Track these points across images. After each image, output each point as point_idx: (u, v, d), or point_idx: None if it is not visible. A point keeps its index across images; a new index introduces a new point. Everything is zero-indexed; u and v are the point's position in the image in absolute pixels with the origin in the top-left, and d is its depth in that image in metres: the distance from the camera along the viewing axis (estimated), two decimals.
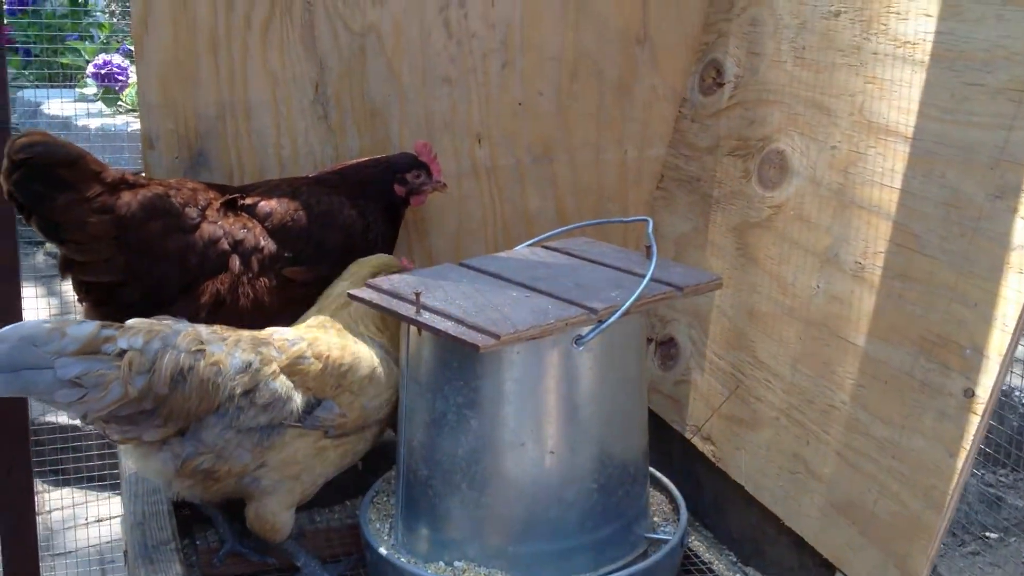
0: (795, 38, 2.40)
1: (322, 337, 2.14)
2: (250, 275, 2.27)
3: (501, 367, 1.95)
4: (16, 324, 1.90)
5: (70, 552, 4.01)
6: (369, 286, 2.10)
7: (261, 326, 2.16)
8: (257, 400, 2.01)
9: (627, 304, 1.98)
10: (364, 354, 2.16)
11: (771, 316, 2.35)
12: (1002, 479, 4.28)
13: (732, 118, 2.59)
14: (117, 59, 5.65)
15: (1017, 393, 4.18)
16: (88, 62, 5.81)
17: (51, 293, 4.95)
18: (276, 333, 2.13)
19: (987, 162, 1.89)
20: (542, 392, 1.99)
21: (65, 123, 5.41)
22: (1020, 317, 1.78)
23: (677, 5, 2.77)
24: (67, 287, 2.23)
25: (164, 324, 2.00)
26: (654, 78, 2.82)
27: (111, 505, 4.14)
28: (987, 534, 4.07)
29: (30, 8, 6.02)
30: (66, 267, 2.18)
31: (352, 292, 2.10)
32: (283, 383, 2.04)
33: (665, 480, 2.35)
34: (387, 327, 2.26)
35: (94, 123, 5.42)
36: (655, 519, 2.25)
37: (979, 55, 1.94)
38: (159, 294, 2.20)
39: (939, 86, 2.01)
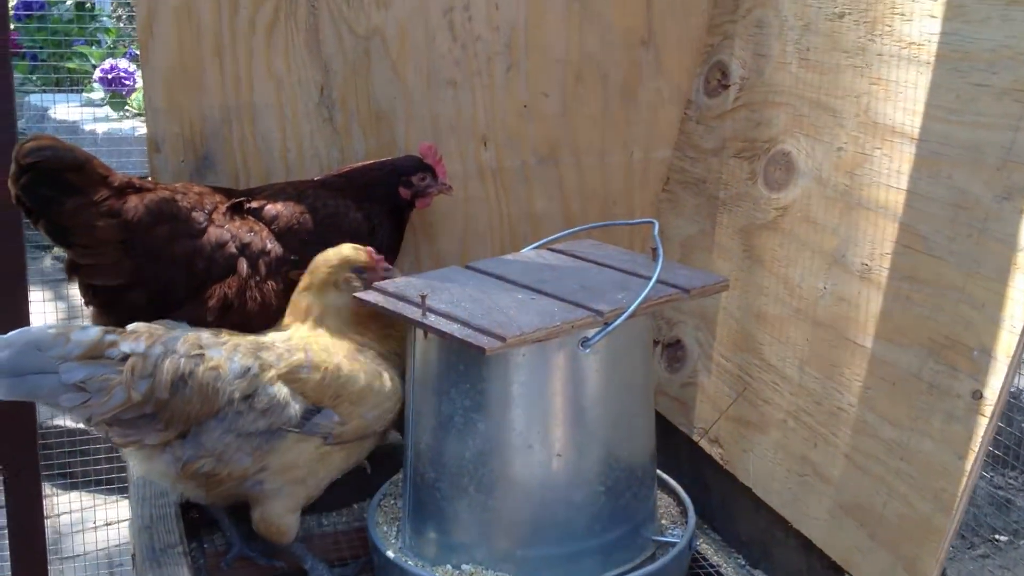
0: (800, 39, 2.39)
1: (320, 345, 2.13)
2: (257, 278, 2.27)
3: (507, 370, 1.95)
4: (21, 329, 1.91)
5: (78, 556, 4.01)
6: (375, 289, 2.10)
7: (268, 329, 2.16)
8: (256, 405, 2.01)
9: (633, 306, 1.97)
10: (364, 366, 2.15)
11: (778, 318, 2.35)
12: (1011, 481, 4.27)
13: (738, 120, 2.59)
14: (124, 64, 5.66)
15: None
16: (95, 67, 5.82)
17: (58, 297, 4.96)
18: (277, 339, 2.13)
19: (994, 163, 1.89)
20: (549, 394, 1.98)
21: (72, 128, 5.42)
22: None
23: (681, 7, 2.77)
24: (74, 291, 2.23)
25: (165, 328, 2.01)
26: (659, 80, 2.81)
27: (119, 509, 4.14)
28: (997, 537, 4.05)
29: (37, 13, 6.04)
30: (73, 271, 2.19)
31: (358, 295, 2.10)
32: (281, 389, 2.04)
33: (673, 483, 2.34)
34: (392, 331, 2.25)
35: (101, 127, 5.43)
36: (663, 522, 2.24)
37: (984, 56, 1.93)
38: (166, 298, 2.20)
39: (944, 87, 2.00)
